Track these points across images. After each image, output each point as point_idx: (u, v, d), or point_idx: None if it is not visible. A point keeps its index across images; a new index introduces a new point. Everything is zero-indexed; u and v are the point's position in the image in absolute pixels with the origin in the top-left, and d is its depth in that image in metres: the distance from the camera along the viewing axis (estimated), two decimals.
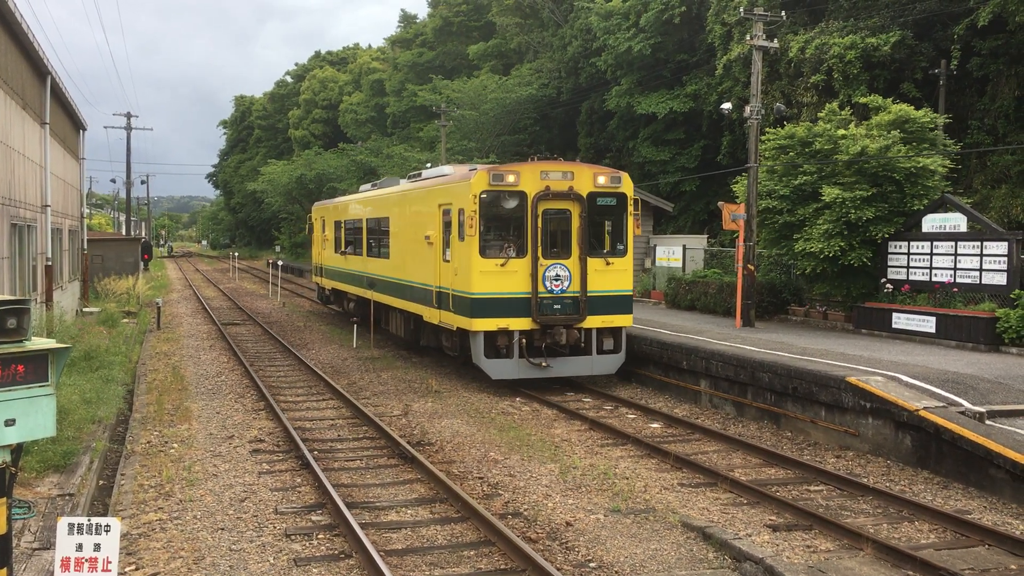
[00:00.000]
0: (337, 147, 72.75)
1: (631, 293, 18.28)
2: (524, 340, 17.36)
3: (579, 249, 17.65)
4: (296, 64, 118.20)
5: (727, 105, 22.74)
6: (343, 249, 29.13)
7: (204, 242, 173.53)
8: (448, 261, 18.38)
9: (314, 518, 10.26)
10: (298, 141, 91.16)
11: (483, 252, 17.24)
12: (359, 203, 27.69)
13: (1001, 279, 18.21)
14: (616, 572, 8.63)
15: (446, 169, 20.99)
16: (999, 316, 17.68)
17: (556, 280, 17.43)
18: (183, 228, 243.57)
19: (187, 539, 9.48)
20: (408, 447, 12.94)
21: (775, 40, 26.97)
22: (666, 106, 41.26)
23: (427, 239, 19.48)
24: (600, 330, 17.95)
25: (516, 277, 17.31)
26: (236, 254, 78.14)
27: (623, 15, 43.46)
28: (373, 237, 25.40)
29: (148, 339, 26.72)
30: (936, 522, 10.08)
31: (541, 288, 17.38)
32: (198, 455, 13.01)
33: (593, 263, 17.72)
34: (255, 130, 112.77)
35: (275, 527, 9.90)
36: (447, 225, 18.51)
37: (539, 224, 17.33)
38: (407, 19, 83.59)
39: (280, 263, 48.47)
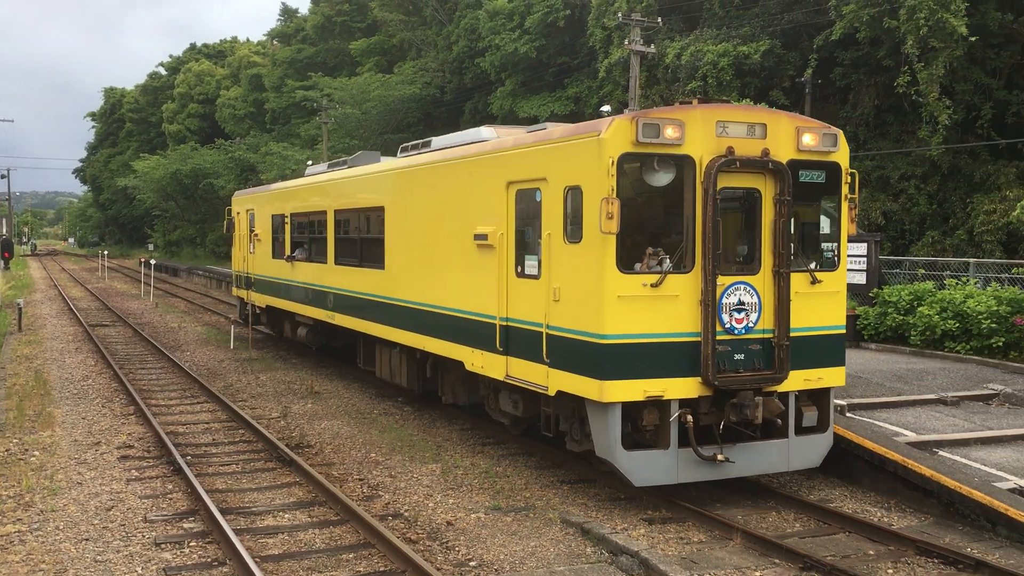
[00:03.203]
0: (214, 143, 70.68)
1: (844, 331, 11.33)
2: (689, 416, 10.11)
3: (775, 257, 10.46)
4: (170, 56, 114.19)
5: (607, 108, 23.15)
6: (290, 253, 20.92)
7: (71, 240, 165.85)
8: (530, 277, 11.20)
9: (186, 525, 9.94)
10: (173, 136, 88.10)
11: (622, 263, 9.89)
12: (318, 189, 19.66)
13: (861, 279, 19.18)
14: (496, 570, 8.68)
15: (485, 132, 13.57)
16: (859, 314, 18.63)
17: (739, 311, 10.32)
18: (48, 225, 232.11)
19: (48, 551, 9.04)
20: (286, 450, 12.68)
21: (652, 46, 27.69)
22: (548, 109, 41.76)
23: (478, 240, 12.12)
24: (800, 395, 10.86)
25: (676, 307, 10.03)
26: (106, 253, 74.87)
27: (508, 15, 43.78)
28: (348, 237, 17.88)
29: (8, 342, 25.31)
30: (801, 512, 10.54)
31: (717, 325, 10.20)
32: (61, 463, 12.41)
33: (794, 281, 10.60)
34: (126, 123, 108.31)
35: (144, 536, 9.55)
36: (527, 217, 11.38)
37: (714, 213, 10.01)
38: (288, 13, 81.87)
39: (153, 262, 46.80)
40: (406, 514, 10.35)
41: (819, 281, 10.83)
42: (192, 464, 12.23)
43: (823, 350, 10.90)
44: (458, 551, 9.18)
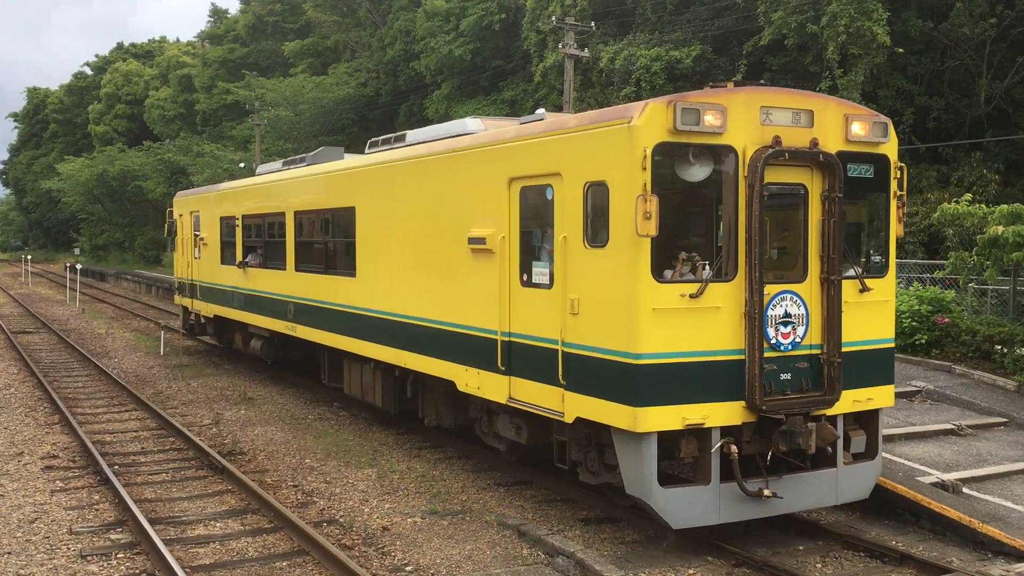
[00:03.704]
0: (142, 144, 69.14)
1: (893, 344, 10.23)
2: (733, 446, 8.84)
3: (823, 263, 9.24)
4: (97, 56, 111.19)
5: (541, 111, 23.21)
6: (242, 259, 19.16)
7: None
8: (539, 286, 9.87)
9: (113, 536, 9.70)
10: (99, 137, 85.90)
11: (658, 271, 8.65)
12: (275, 189, 17.98)
13: None
14: (432, 574, 8.65)
15: (471, 123, 12.33)
16: None
17: (785, 324, 9.07)
18: None
19: None
20: (218, 457, 12.46)
21: (586, 49, 27.90)
22: (483, 113, 41.78)
23: (474, 245, 10.77)
24: (847, 418, 9.63)
25: (718, 320, 8.81)
26: (29, 257, 72.62)
27: (445, 16, 43.71)
28: (311, 241, 16.25)
29: None
30: None
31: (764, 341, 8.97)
32: None
33: (843, 289, 9.38)
34: (51, 124, 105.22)
35: (69, 548, 9.29)
36: (535, 218, 10.09)
37: (760, 212, 8.81)
38: (218, 14, 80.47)
39: (79, 267, 45.56)
40: (341, 520, 10.24)
41: (868, 289, 9.60)
42: (120, 474, 11.94)
43: (872, 367, 9.67)
44: (394, 556, 9.13)
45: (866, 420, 9.81)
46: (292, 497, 11.18)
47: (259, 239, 18.77)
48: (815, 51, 27.77)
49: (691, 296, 8.64)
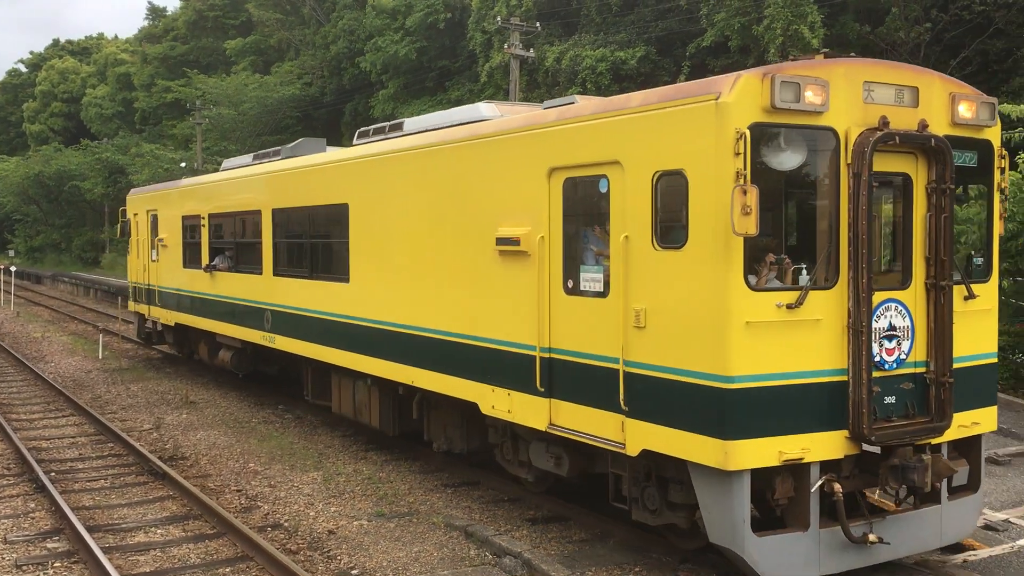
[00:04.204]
0: (80, 143, 67.60)
1: (996, 359, 8.92)
2: (835, 484, 7.59)
3: (931, 266, 8.05)
4: (31, 52, 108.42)
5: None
6: (209, 262, 17.60)
7: None
8: (590, 294, 8.59)
9: (50, 545, 9.45)
10: (34, 136, 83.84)
11: (748, 277, 7.36)
12: (249, 184, 16.17)
13: None
14: None
15: (485, 108, 10.96)
16: None
17: (890, 339, 7.85)
18: None
19: None
20: (159, 463, 12.22)
21: (532, 50, 27.97)
22: (428, 113, 41.56)
23: (503, 246, 9.38)
24: (951, 446, 8.41)
25: (818, 335, 7.55)
26: None
27: (391, 14, 43.46)
28: (294, 242, 14.57)
29: None
30: None
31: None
32: None
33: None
34: None
35: (4, 558, 9.04)
36: (584, 214, 8.86)
37: (868, 206, 7.55)
38: (155, 12, 78.91)
39: (14, 268, 44.38)
40: (286, 524, 10.11)
41: (974, 296, 8.30)
42: (57, 481, 11.65)
43: (977, 386, 8.41)
44: (340, 560, 9.04)
45: (968, 447, 8.54)
46: (236, 502, 11.00)
47: (229, 240, 17.26)
48: (757, 53, 28.20)
49: (788, 307, 7.31)
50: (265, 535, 9.57)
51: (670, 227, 7.70)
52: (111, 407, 17.07)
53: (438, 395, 10.83)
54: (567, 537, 9.69)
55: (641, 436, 7.86)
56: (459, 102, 41.38)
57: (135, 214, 22.85)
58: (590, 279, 8.57)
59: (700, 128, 7.32)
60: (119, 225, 24.93)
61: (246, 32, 61.38)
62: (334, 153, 14.02)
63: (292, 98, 50.43)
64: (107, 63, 78.81)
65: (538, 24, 30.96)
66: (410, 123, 12.38)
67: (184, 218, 19.14)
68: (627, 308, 7.96)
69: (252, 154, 17.84)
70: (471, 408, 10.20)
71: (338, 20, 48.74)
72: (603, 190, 8.35)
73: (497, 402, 9.56)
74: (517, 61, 23.41)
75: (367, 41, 44.28)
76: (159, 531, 9.96)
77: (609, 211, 8.26)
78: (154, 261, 21.14)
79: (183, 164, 50.01)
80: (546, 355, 8.84)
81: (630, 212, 7.97)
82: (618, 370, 8.02)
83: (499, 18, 32.21)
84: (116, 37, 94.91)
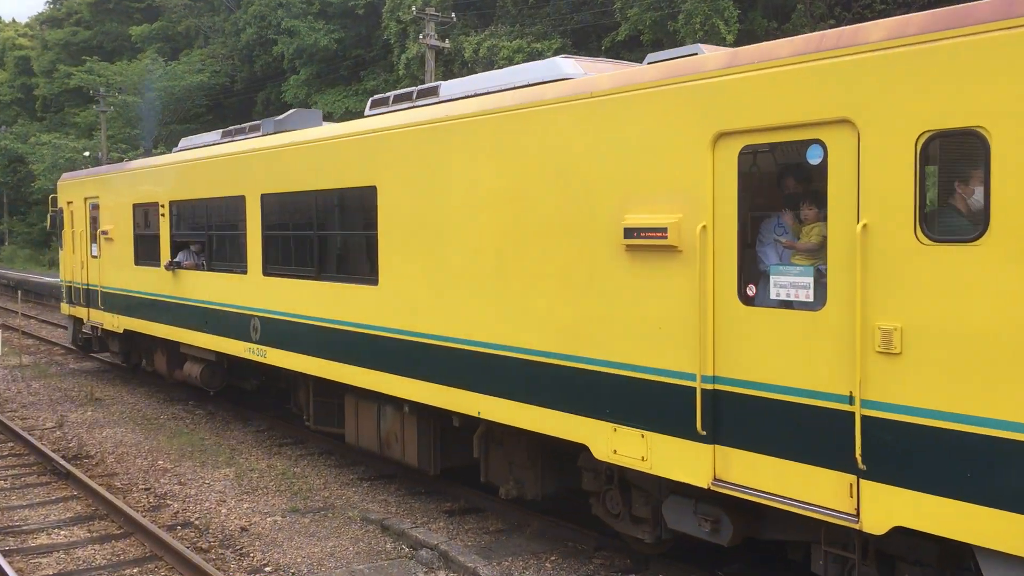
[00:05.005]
0: None
1: None
2: None
3: None
4: None
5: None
6: (171, 259, 14.85)
7: None
8: (791, 305, 6.41)
9: None
10: None
11: None
12: (227, 165, 13.38)
13: None
14: (293, 573, 8.46)
15: (565, 65, 8.68)
16: None
17: None
18: None
19: None
20: (62, 462, 11.80)
21: (447, 40, 27.87)
22: (343, 105, 41.08)
23: (636, 240, 7.20)
24: None
25: None
26: None
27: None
28: (293, 235, 12.02)
29: None
30: None
31: None
32: None
33: None
34: None
35: None
36: (776, 195, 6.82)
37: None
38: None
39: None
40: (197, 522, 9.89)
41: None
42: None
43: None
44: (253, 557, 8.88)
45: None
46: (144, 501, 10.71)
47: (199, 232, 14.41)
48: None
49: None
50: (174, 534, 9.34)
51: (951, 212, 5.74)
52: (10, 405, 16.41)
53: (510, 428, 8.65)
54: (484, 528, 9.71)
55: (890, 506, 5.72)
56: (374, 93, 40.94)
57: (69, 202, 19.62)
58: (788, 283, 6.39)
59: (1013, 66, 5.18)
60: (49, 216, 21.87)
61: (152, 18, 59.53)
62: (356, 123, 11.03)
63: (201, 86, 49.18)
64: (4, 47, 75.55)
65: (453, 15, 30.85)
66: (449, 87, 9.96)
67: (136, 207, 16.19)
68: (864, 326, 5.81)
69: (220, 131, 14.90)
70: (544, 442, 8.47)
71: (249, 6, 47.69)
72: (814, 160, 6.14)
73: (622, 446, 7.39)
74: (433, 52, 23.30)
75: (279, 26, 43.38)
76: (63, 532, 9.63)
77: (826, 189, 6.03)
78: (95, 257, 18.12)
79: (87, 153, 48.33)
80: (710, 386, 6.69)
81: (871, 191, 5.79)
82: (851, 412, 5.88)
83: (414, 8, 31.98)
84: (14, 21, 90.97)
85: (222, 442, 13.54)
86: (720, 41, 25.94)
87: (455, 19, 31.11)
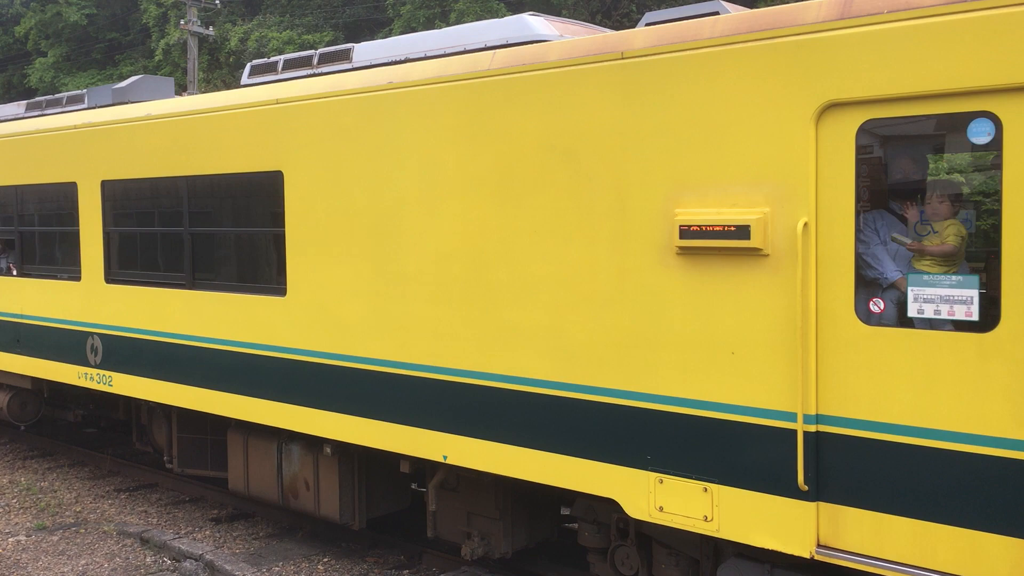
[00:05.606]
0: None
1: None
2: None
3: None
4: None
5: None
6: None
7: None
8: (938, 325, 4.96)
9: None
10: None
11: None
12: (56, 142, 10.43)
13: None
14: None
15: (535, 23, 6.94)
16: None
17: None
18: None
19: None
20: None
21: (212, 28, 26.78)
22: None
23: (696, 239, 5.55)
24: None
25: None
26: None
27: None
28: (156, 231, 9.41)
29: None
30: None
31: None
32: None
33: None
34: None
35: None
36: (901, 186, 5.48)
37: None
38: None
39: None
40: None
41: None
42: None
43: None
44: None
45: None
46: None
47: (7, 228, 11.47)
48: None
49: None
50: None
51: None
52: None
53: (471, 473, 7.05)
54: (253, 534, 9.42)
55: None
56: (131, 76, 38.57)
57: None
58: (940, 298, 5.00)
59: None
60: None
61: None
62: (252, 91, 8.44)
63: None
64: None
65: (217, 1, 29.63)
66: (364, 50, 8.01)
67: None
68: None
69: (25, 102, 11.95)
70: (532, 489, 6.85)
71: None
72: (982, 140, 4.80)
73: (672, 502, 5.78)
74: (196, 39, 22.21)
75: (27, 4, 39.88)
76: None
77: (1000, 179, 4.70)
78: None
79: None
80: (814, 427, 5.23)
81: None
82: None
83: None
84: None
85: None
86: None
87: (219, 5, 29.85)
